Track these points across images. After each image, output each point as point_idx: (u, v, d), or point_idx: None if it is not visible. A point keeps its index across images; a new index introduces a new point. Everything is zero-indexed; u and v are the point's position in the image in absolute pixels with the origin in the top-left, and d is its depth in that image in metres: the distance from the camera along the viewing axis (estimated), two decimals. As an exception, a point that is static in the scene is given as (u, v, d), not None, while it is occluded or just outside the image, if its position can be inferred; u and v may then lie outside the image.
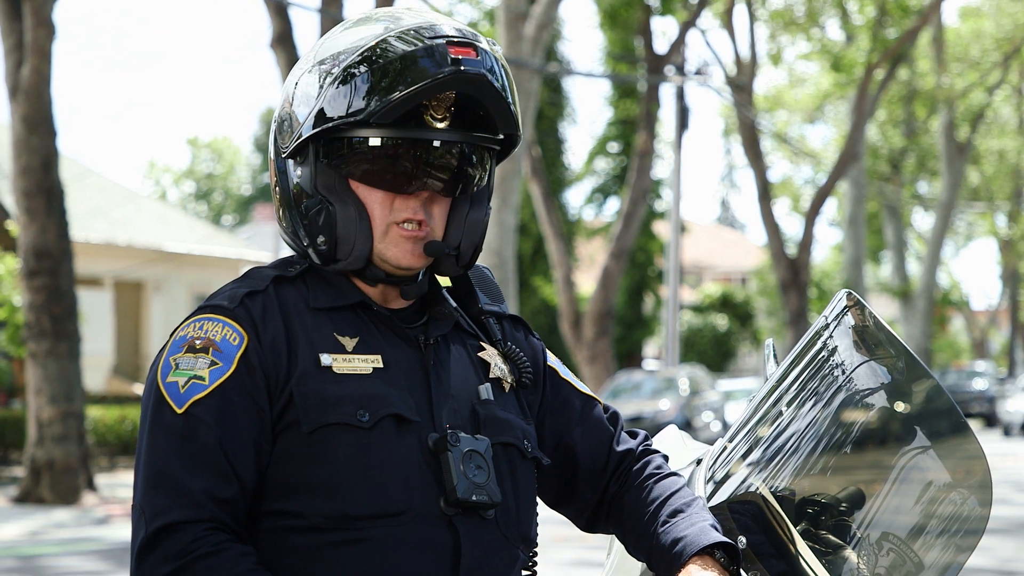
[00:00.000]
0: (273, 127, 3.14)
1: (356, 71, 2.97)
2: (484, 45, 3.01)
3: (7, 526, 20.66)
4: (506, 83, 3.03)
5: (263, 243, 54.94)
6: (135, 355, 41.74)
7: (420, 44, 2.96)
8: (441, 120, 2.99)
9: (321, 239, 3.02)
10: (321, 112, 2.99)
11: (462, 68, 2.95)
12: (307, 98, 3.02)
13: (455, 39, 2.97)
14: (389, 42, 2.97)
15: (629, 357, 56.01)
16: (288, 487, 2.94)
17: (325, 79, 3.00)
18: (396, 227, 3.02)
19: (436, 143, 3.00)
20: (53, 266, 23.19)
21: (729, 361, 63.23)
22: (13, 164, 23.31)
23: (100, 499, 23.62)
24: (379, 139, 2.98)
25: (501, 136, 3.09)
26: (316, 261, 3.06)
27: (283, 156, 3.07)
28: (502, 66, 3.04)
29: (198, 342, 2.97)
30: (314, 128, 2.99)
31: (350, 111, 2.96)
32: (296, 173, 3.04)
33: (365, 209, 3.01)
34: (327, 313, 3.05)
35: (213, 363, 2.94)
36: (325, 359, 2.99)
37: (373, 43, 2.98)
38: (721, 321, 63.39)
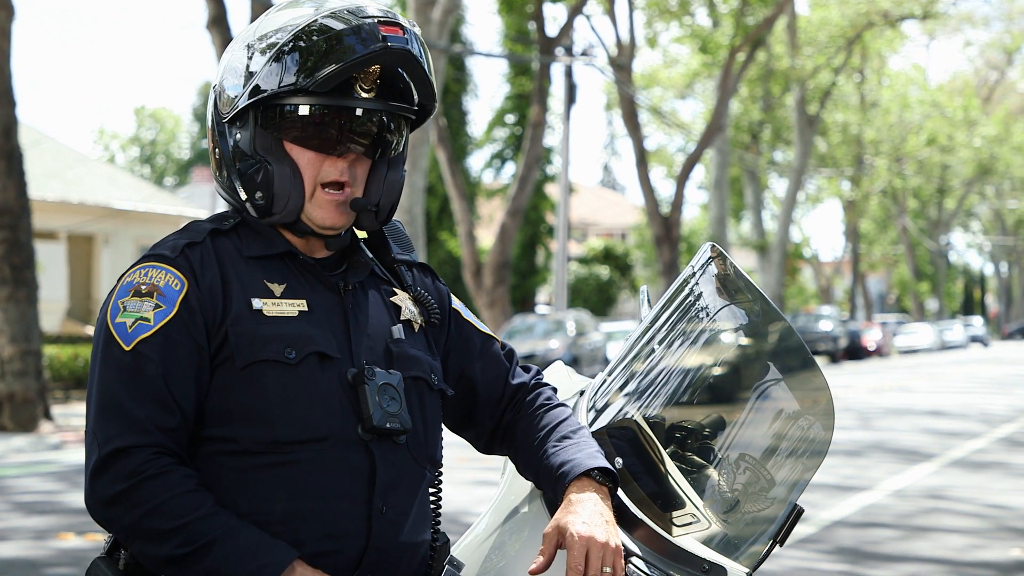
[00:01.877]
0: (212, 96, 3.12)
1: (294, 46, 2.96)
2: (407, 24, 3.02)
3: (-27, 451, 20.47)
4: (425, 58, 3.04)
5: (201, 202, 54.41)
6: (87, 300, 41.40)
7: (352, 23, 2.96)
8: (368, 91, 2.99)
9: (259, 195, 3.01)
10: (259, 84, 2.98)
11: (390, 44, 2.96)
12: (247, 70, 3.00)
13: (383, 19, 2.97)
14: (324, 21, 2.97)
15: (523, 303, 56.02)
16: (224, 416, 2.94)
17: (262, 54, 2.99)
18: (321, 190, 3.01)
19: (359, 111, 3.01)
20: (13, 221, 23.00)
21: (610, 306, 63.35)
22: None
23: (55, 427, 23.45)
24: (310, 106, 2.97)
25: (416, 107, 3.09)
26: (253, 214, 3.05)
27: (224, 121, 3.05)
28: (422, 43, 3.05)
29: (143, 287, 2.95)
30: (254, 96, 2.98)
31: (287, 83, 2.96)
32: (236, 136, 3.03)
33: (298, 168, 3.01)
34: (258, 262, 3.04)
35: (157, 306, 2.93)
36: (256, 303, 2.98)
37: (308, 22, 2.97)
38: (603, 271, 63.48)
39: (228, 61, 3.08)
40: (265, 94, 2.97)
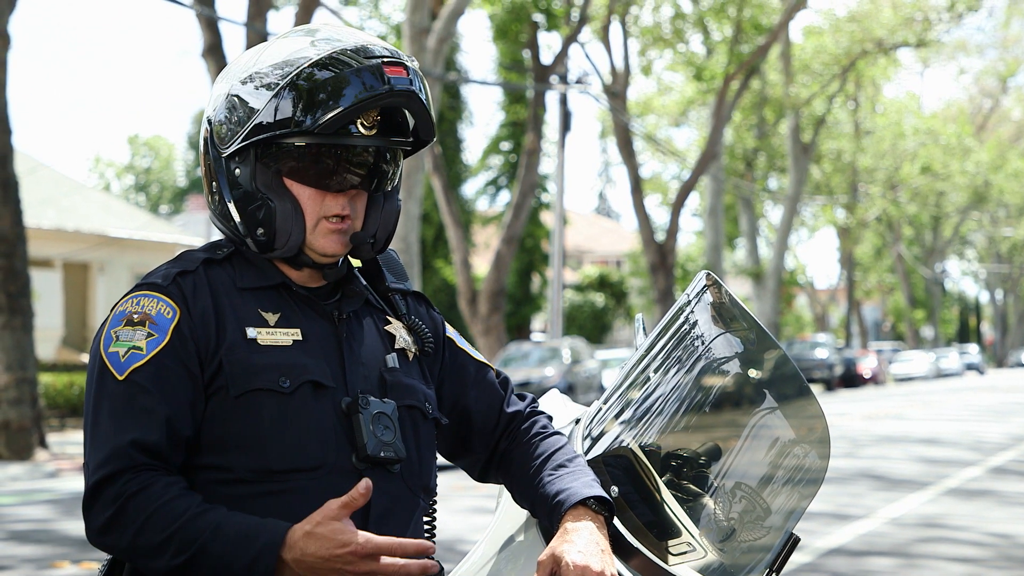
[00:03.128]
0: (204, 127, 3.11)
1: (299, 84, 2.96)
2: (409, 63, 3.03)
3: (-32, 480, 20.45)
4: (426, 95, 3.05)
5: (196, 229, 54.51)
6: (82, 328, 41.43)
7: (357, 64, 2.97)
8: (369, 128, 3.00)
9: (260, 231, 3.02)
10: (263, 121, 2.97)
11: (394, 87, 2.97)
12: (247, 106, 3.00)
13: (387, 59, 2.98)
14: (329, 60, 2.97)
15: (519, 330, 56.07)
16: (218, 444, 2.94)
17: (268, 90, 2.99)
18: (324, 221, 3.02)
19: (358, 148, 3.01)
20: (8, 249, 23.04)
21: (606, 334, 63.42)
22: None
23: (51, 455, 23.45)
24: (315, 144, 2.98)
25: (412, 140, 3.09)
26: (254, 249, 3.06)
27: (223, 156, 3.05)
28: (422, 80, 3.06)
29: (136, 316, 2.96)
30: (257, 135, 2.98)
31: (295, 121, 2.96)
32: (235, 172, 3.03)
33: (299, 204, 3.01)
34: (252, 292, 3.05)
35: (149, 335, 2.94)
36: (251, 332, 2.99)
37: (311, 60, 2.98)
38: (599, 299, 63.57)
39: (224, 92, 3.07)
40: (267, 133, 2.98)
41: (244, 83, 3.03)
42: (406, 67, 3.00)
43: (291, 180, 3.01)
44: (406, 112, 3.05)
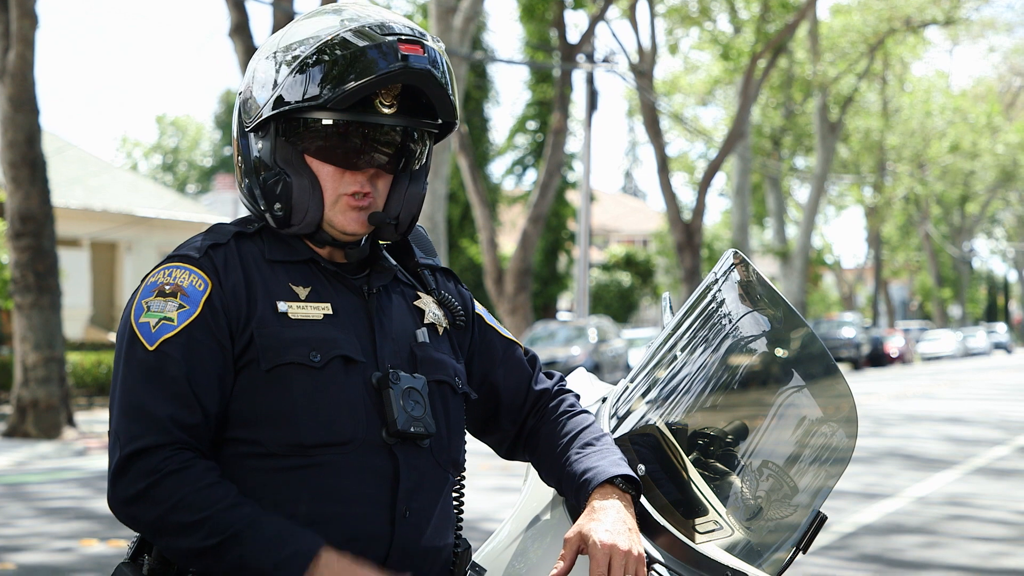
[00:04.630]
0: (237, 105, 3.12)
1: (316, 60, 2.96)
2: (430, 42, 3.01)
3: (-3, 457, 20.55)
4: (447, 76, 3.03)
5: (223, 209, 54.53)
6: (110, 307, 41.49)
7: (374, 40, 2.96)
8: (389, 106, 2.99)
9: (278, 206, 3.02)
10: (283, 95, 2.98)
11: (410, 63, 2.95)
12: (270, 82, 3.00)
13: (405, 36, 2.97)
14: (347, 36, 2.97)
15: (545, 309, 56.03)
16: (248, 418, 2.94)
17: (287, 66, 2.99)
18: (345, 197, 3.02)
19: (381, 126, 3.01)
20: (37, 228, 23.07)
21: (632, 313, 63.36)
22: (1, 139, 23.10)
23: (79, 434, 23.50)
24: (332, 120, 2.97)
25: (439, 121, 3.08)
26: (272, 224, 3.06)
27: (246, 131, 3.05)
28: (444, 61, 3.04)
29: (167, 287, 2.96)
30: (275, 109, 2.98)
31: (309, 96, 2.96)
32: (257, 146, 3.03)
33: (318, 181, 3.01)
34: (282, 265, 3.05)
35: (181, 306, 2.94)
36: (281, 306, 2.99)
37: (331, 36, 2.97)
38: (625, 278, 63.50)
39: (253, 70, 3.09)
40: (287, 107, 2.98)
41: (268, 59, 3.04)
42: (423, 45, 2.98)
43: (312, 157, 3.00)
44: (428, 94, 3.03)
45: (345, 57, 2.95)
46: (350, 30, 2.97)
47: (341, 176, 3.01)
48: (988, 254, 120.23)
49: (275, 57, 3.03)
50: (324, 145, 3.00)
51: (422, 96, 3.02)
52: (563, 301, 62.09)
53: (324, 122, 2.98)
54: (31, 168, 22.96)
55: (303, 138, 3.01)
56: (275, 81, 3.00)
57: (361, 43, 2.96)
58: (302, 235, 3.07)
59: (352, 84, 2.94)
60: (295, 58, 2.99)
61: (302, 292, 3.03)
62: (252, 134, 3.05)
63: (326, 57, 2.96)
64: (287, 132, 3.01)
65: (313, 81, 2.96)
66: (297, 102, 2.97)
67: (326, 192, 3.01)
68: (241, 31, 27.47)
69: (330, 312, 3.03)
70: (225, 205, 55.56)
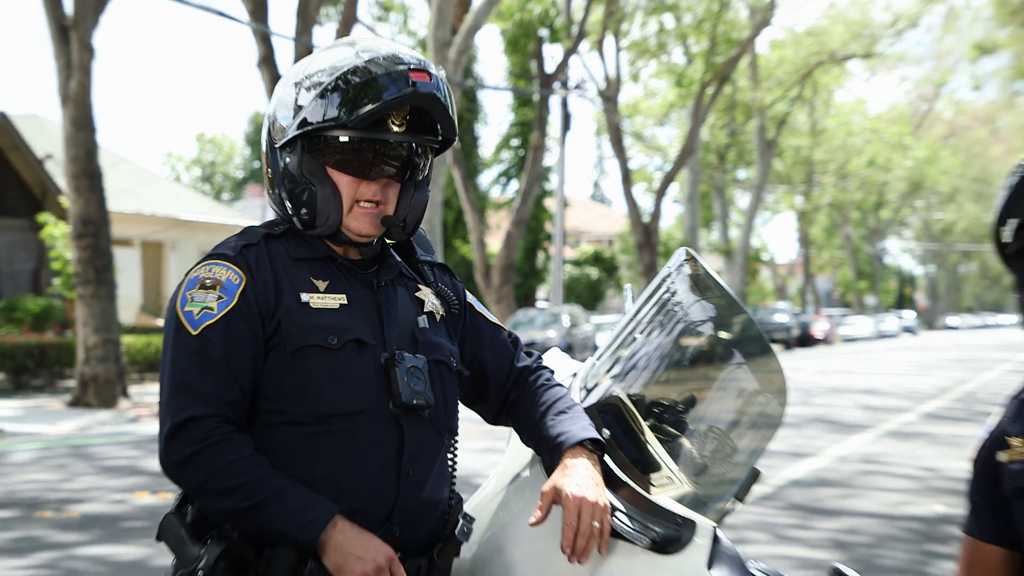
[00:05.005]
0: (265, 124, 3.12)
1: (336, 86, 2.97)
2: (434, 70, 3.02)
3: (63, 424, 20.51)
4: (448, 99, 3.05)
5: (253, 214, 54.32)
6: (157, 297, 41.42)
7: (387, 69, 2.97)
8: (399, 125, 3.00)
9: (304, 212, 3.03)
10: (307, 117, 2.98)
11: (418, 88, 2.97)
12: (296, 104, 3.01)
13: (413, 66, 2.99)
14: (364, 65, 2.97)
15: (526, 299, 55.97)
16: (276, 392, 2.95)
17: (310, 91, 2.99)
18: (358, 205, 3.03)
19: (392, 142, 3.02)
20: (95, 230, 23.08)
21: (599, 302, 63.31)
22: (64, 154, 23.11)
23: (132, 404, 23.50)
24: (349, 137, 2.98)
25: (440, 137, 3.09)
26: (299, 227, 3.07)
27: (276, 147, 3.06)
28: (446, 86, 3.06)
29: (208, 281, 2.97)
30: (301, 128, 2.99)
31: (330, 117, 2.96)
32: (285, 160, 3.03)
33: (338, 189, 3.02)
34: (304, 262, 3.06)
35: (220, 297, 2.95)
36: (304, 297, 3.00)
37: (349, 66, 2.98)
38: (593, 272, 63.44)
39: (280, 95, 3.09)
40: (312, 126, 2.98)
41: (295, 86, 3.04)
42: (430, 73, 3.00)
43: (333, 169, 3.01)
44: (432, 115, 3.04)
45: (362, 83, 2.95)
46: (366, 60, 2.98)
47: (357, 185, 3.02)
48: (899, 252, 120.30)
49: (299, 84, 3.03)
50: (343, 159, 3.00)
51: (427, 116, 3.03)
52: (541, 292, 62.01)
53: (343, 139, 2.99)
54: (90, 179, 22.97)
55: (324, 153, 3.01)
56: (300, 105, 3.01)
57: (376, 71, 2.96)
58: (323, 236, 3.08)
59: (369, 107, 2.94)
60: (317, 84, 2.99)
61: (321, 285, 3.04)
62: (281, 150, 3.05)
63: (345, 84, 2.96)
64: (311, 148, 3.01)
65: (333, 104, 2.96)
66: (319, 122, 2.97)
67: (344, 199, 3.02)
68: (268, 62, 27.38)
69: (345, 302, 3.04)
70: (254, 211, 55.37)
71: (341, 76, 2.98)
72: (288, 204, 3.06)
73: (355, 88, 2.96)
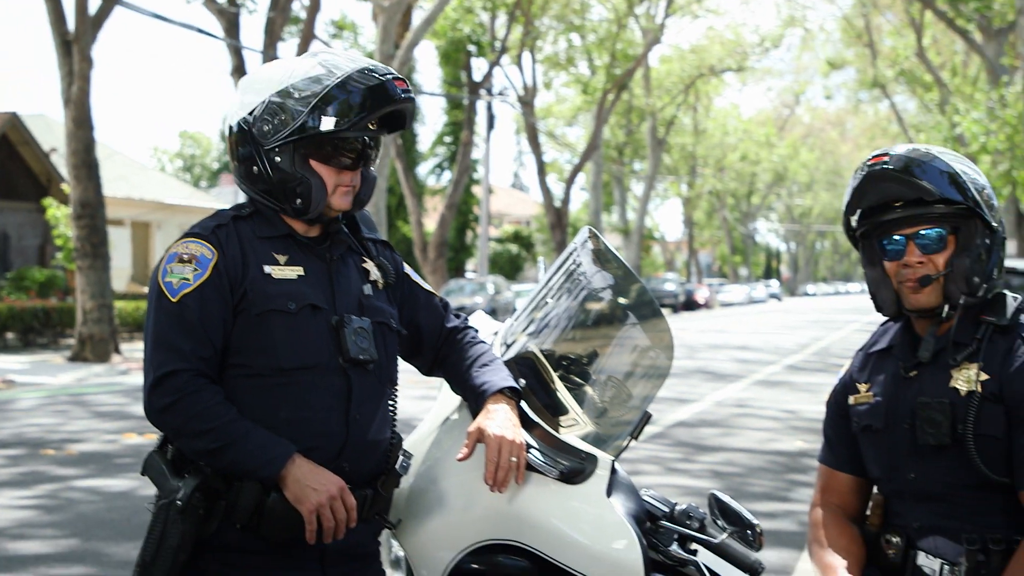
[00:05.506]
0: (241, 123, 3.00)
1: (333, 97, 2.92)
2: (404, 78, 3.03)
3: (64, 375, 20.27)
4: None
5: (226, 199, 53.61)
6: (145, 268, 41.00)
7: (375, 81, 2.95)
8: (374, 123, 2.99)
9: (299, 201, 2.99)
10: (308, 123, 2.92)
11: (404, 96, 2.99)
12: (289, 113, 2.94)
13: (396, 76, 2.99)
14: (355, 77, 2.94)
15: (456, 271, 55.87)
16: (243, 349, 2.93)
17: (306, 103, 2.93)
18: (340, 187, 3.01)
19: (367, 138, 3.01)
20: (92, 212, 22.92)
21: (518, 273, 63.33)
22: (66, 148, 23.05)
23: (123, 359, 23.28)
24: (343, 137, 2.96)
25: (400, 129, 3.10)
26: (291, 214, 3.02)
27: (264, 147, 2.98)
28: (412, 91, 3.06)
29: (185, 256, 2.95)
30: (301, 135, 2.93)
31: (331, 123, 2.92)
32: (276, 159, 2.97)
33: (323, 180, 2.99)
34: (268, 240, 3.03)
35: (196, 270, 2.93)
36: (267, 268, 2.98)
37: (344, 77, 2.94)
38: (513, 248, 63.43)
39: (261, 101, 2.98)
40: (311, 132, 2.92)
41: (282, 95, 2.96)
42: (405, 81, 3.00)
43: (318, 163, 2.97)
44: (407, 116, 3.06)
45: (360, 92, 2.92)
46: (353, 72, 2.94)
47: (339, 174, 3.00)
48: (766, 232, 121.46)
49: (290, 94, 2.95)
50: (331, 154, 2.98)
51: (398, 114, 3.02)
52: (469, 265, 61.90)
53: (336, 138, 2.96)
54: (88, 169, 22.81)
55: (313, 150, 2.97)
56: (295, 114, 2.93)
57: (367, 82, 2.93)
58: (307, 218, 3.03)
59: (372, 112, 2.93)
60: (312, 95, 2.93)
61: (282, 259, 3.02)
62: (269, 151, 2.97)
63: (339, 95, 2.92)
64: (304, 148, 2.96)
65: (331, 112, 2.92)
66: (323, 130, 2.92)
67: (328, 186, 2.99)
68: (239, 71, 27.20)
69: (302, 273, 3.02)
70: (227, 196, 54.70)
71: (339, 85, 2.93)
72: (279, 195, 3.00)
73: (353, 96, 2.92)
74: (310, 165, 2.97)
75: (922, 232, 3.05)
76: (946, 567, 2.97)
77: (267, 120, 2.96)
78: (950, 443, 2.98)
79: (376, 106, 2.93)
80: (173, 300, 2.89)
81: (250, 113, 2.99)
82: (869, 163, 3.09)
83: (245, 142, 3.00)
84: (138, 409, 14.59)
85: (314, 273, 3.03)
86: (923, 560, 3.02)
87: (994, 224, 3.06)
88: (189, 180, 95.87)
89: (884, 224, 3.09)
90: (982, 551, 2.93)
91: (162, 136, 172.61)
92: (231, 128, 3.04)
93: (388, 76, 2.96)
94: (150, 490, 2.95)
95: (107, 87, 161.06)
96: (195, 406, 2.83)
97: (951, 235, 3.05)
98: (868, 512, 3.22)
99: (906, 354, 3.14)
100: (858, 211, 3.15)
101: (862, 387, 3.22)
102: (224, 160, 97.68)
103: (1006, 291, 3.13)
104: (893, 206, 3.07)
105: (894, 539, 3.07)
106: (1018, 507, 2.96)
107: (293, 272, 3.00)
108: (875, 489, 3.22)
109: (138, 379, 19.75)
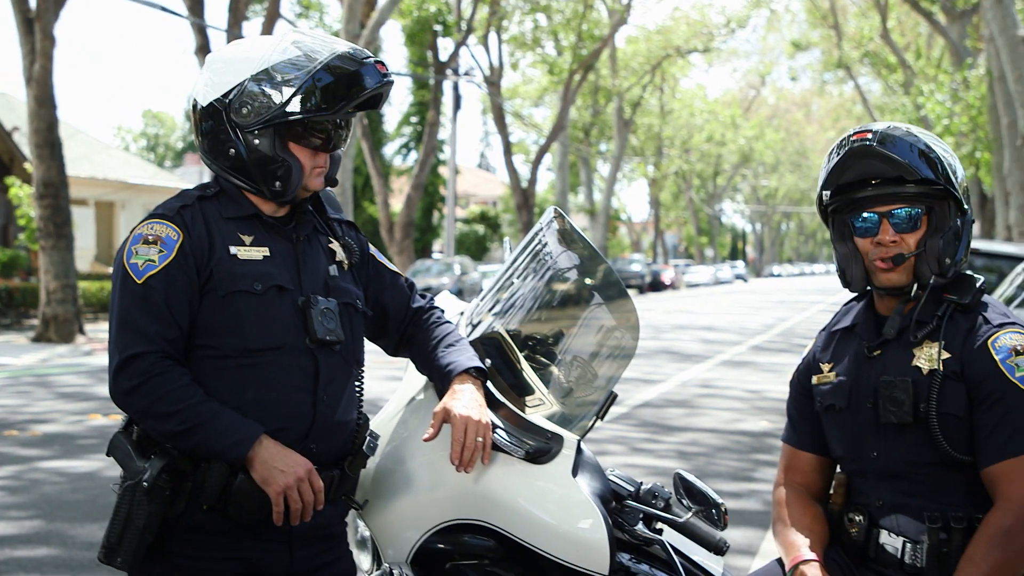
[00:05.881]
0: (213, 104, 2.96)
1: (321, 80, 2.91)
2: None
3: (28, 356, 20.11)
4: None
5: (190, 179, 53.35)
6: (109, 248, 40.70)
7: (359, 65, 2.94)
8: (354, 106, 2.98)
9: (278, 184, 2.97)
10: (291, 108, 2.90)
11: (387, 79, 2.98)
12: (269, 97, 2.91)
13: (377, 60, 2.98)
14: (339, 61, 2.93)
15: (423, 251, 55.75)
16: (210, 330, 2.92)
17: (289, 86, 2.91)
18: (315, 168, 3.00)
19: (340, 120, 3.00)
20: (55, 192, 22.74)
21: (485, 253, 63.29)
22: (29, 127, 22.86)
23: (87, 339, 23.11)
24: (318, 120, 2.95)
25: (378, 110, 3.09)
26: (268, 196, 3.00)
27: (240, 129, 2.94)
28: None
29: (150, 237, 2.92)
30: (283, 118, 2.91)
31: (315, 106, 2.91)
32: (254, 141, 2.95)
33: (300, 161, 2.98)
34: (233, 220, 3.01)
35: (161, 251, 2.90)
36: (233, 249, 2.96)
37: (327, 61, 2.92)
38: (480, 229, 63.36)
39: (236, 82, 2.94)
40: (299, 117, 2.91)
41: (261, 78, 2.93)
42: (384, 64, 2.99)
43: (296, 145, 2.96)
44: (383, 96, 3.04)
45: (347, 76, 2.91)
46: (335, 56, 2.92)
47: (315, 155, 2.99)
48: (732, 212, 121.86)
49: (268, 77, 2.92)
50: (308, 136, 2.96)
51: (374, 96, 3.00)
52: (436, 245, 61.83)
53: (316, 121, 2.94)
54: (51, 148, 22.65)
55: (291, 133, 2.95)
56: (274, 98, 2.91)
57: (352, 67, 2.92)
58: (283, 199, 3.00)
59: (359, 97, 2.93)
60: (293, 79, 2.90)
61: (247, 239, 3.00)
62: (246, 133, 2.94)
63: (325, 78, 2.90)
64: (283, 131, 2.94)
65: (322, 96, 2.90)
66: (308, 113, 2.90)
67: (305, 168, 2.99)
68: (203, 50, 27.00)
69: (268, 254, 3.00)
70: (192, 176, 54.40)
71: (324, 68, 2.91)
72: (253, 178, 2.98)
73: (340, 80, 2.91)
74: (289, 148, 2.96)
75: (896, 211, 3.07)
76: (908, 545, 3.00)
77: (246, 103, 2.93)
78: (912, 422, 3.01)
79: (359, 91, 2.92)
80: (138, 282, 2.87)
81: (224, 95, 2.95)
82: (851, 139, 3.09)
83: (215, 121, 2.96)
84: (103, 390, 14.50)
85: (280, 254, 3.02)
86: (885, 538, 3.04)
87: (965, 206, 3.09)
88: (153, 160, 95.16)
89: (858, 201, 3.11)
90: (944, 529, 2.96)
91: (126, 115, 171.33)
92: (197, 105, 3.01)
93: (368, 60, 2.95)
94: (116, 471, 2.95)
95: (70, 66, 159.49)
96: (161, 388, 2.82)
97: (924, 215, 3.07)
98: (831, 491, 3.24)
99: (869, 333, 3.17)
100: (828, 192, 3.17)
101: (825, 367, 3.24)
102: (189, 140, 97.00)
103: (969, 271, 3.15)
104: (869, 183, 3.08)
105: (857, 518, 3.10)
106: (979, 485, 2.98)
107: (259, 253, 2.98)
108: (838, 468, 3.25)
109: (103, 360, 19.63)
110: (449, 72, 40.56)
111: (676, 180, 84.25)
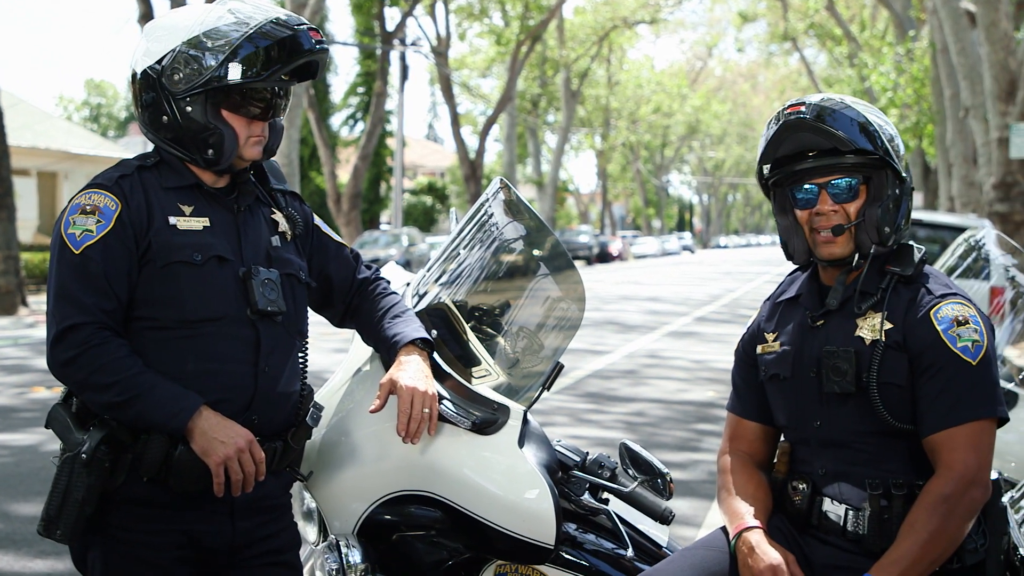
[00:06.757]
0: (150, 71, 2.93)
1: (249, 47, 2.87)
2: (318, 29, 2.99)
3: (-32, 329, 19.85)
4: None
5: (134, 149, 52.72)
6: (52, 219, 40.22)
7: (290, 32, 2.91)
8: (287, 73, 2.95)
9: (211, 152, 2.93)
10: (222, 74, 2.86)
11: (319, 47, 2.95)
12: (201, 63, 2.87)
13: (310, 27, 2.95)
14: (270, 27, 2.90)
15: (371, 222, 55.51)
16: (149, 301, 2.89)
17: (221, 52, 2.87)
18: (251, 137, 2.96)
19: (277, 88, 2.97)
20: (-4, 162, 22.34)
21: (433, 225, 63.15)
22: None
23: (30, 311, 22.85)
24: (256, 87, 2.92)
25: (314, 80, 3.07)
26: (203, 165, 2.96)
27: (174, 96, 2.90)
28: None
29: (88, 207, 2.88)
30: (214, 84, 2.87)
31: (250, 73, 2.87)
32: (187, 109, 2.91)
33: (233, 129, 2.94)
34: (173, 190, 2.97)
35: (99, 221, 2.87)
36: (172, 220, 2.93)
37: (253, 29, 2.88)
38: (428, 200, 63.19)
39: (170, 48, 2.90)
40: (228, 83, 2.86)
41: (192, 45, 2.89)
42: (318, 31, 2.97)
43: (230, 113, 2.93)
44: (317, 65, 3.01)
45: (277, 42, 2.88)
46: (267, 22, 2.89)
47: (250, 124, 2.95)
48: (679, 184, 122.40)
49: (201, 43, 2.88)
50: (242, 104, 2.93)
51: (309, 64, 2.97)
52: (384, 216, 61.57)
53: (249, 88, 2.91)
54: (-10, 118, 22.19)
55: (224, 100, 2.91)
56: (206, 63, 2.87)
57: (283, 33, 2.89)
58: (218, 169, 2.97)
59: (291, 63, 2.90)
60: (225, 46, 2.86)
61: (187, 210, 2.96)
62: (179, 100, 2.90)
63: (258, 44, 2.87)
64: (215, 98, 2.90)
65: (249, 64, 2.87)
66: (238, 80, 2.86)
67: (240, 137, 2.95)
68: (146, 19, 26.67)
69: (208, 224, 2.97)
70: (136, 146, 53.73)
71: (250, 36, 2.88)
72: (187, 146, 2.94)
73: (270, 47, 2.88)
74: (222, 115, 2.92)
75: (834, 182, 3.09)
76: (850, 512, 3.03)
77: (177, 69, 2.90)
78: (855, 391, 3.03)
79: (290, 57, 2.90)
80: (76, 252, 2.84)
81: (158, 62, 2.92)
82: (786, 112, 3.11)
83: (151, 89, 2.93)
84: (45, 362, 14.34)
85: (221, 224, 2.98)
86: (828, 506, 3.07)
87: (904, 174, 3.11)
88: (96, 130, 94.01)
89: (797, 173, 3.12)
90: (884, 496, 2.99)
91: (68, 85, 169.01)
92: (135, 74, 2.98)
93: (301, 26, 2.93)
94: (58, 444, 2.90)
95: (11, 34, 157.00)
96: (99, 359, 2.79)
97: (862, 185, 3.09)
98: (775, 460, 3.26)
99: (813, 303, 3.18)
100: (768, 165, 3.18)
101: (770, 336, 3.26)
102: (132, 110, 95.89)
103: (912, 242, 3.18)
104: (807, 155, 3.10)
105: (800, 486, 3.12)
106: (920, 453, 3.02)
107: (199, 223, 2.95)
108: (782, 437, 3.27)
109: (45, 332, 19.41)
110: (396, 42, 40.35)
111: (624, 151, 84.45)
